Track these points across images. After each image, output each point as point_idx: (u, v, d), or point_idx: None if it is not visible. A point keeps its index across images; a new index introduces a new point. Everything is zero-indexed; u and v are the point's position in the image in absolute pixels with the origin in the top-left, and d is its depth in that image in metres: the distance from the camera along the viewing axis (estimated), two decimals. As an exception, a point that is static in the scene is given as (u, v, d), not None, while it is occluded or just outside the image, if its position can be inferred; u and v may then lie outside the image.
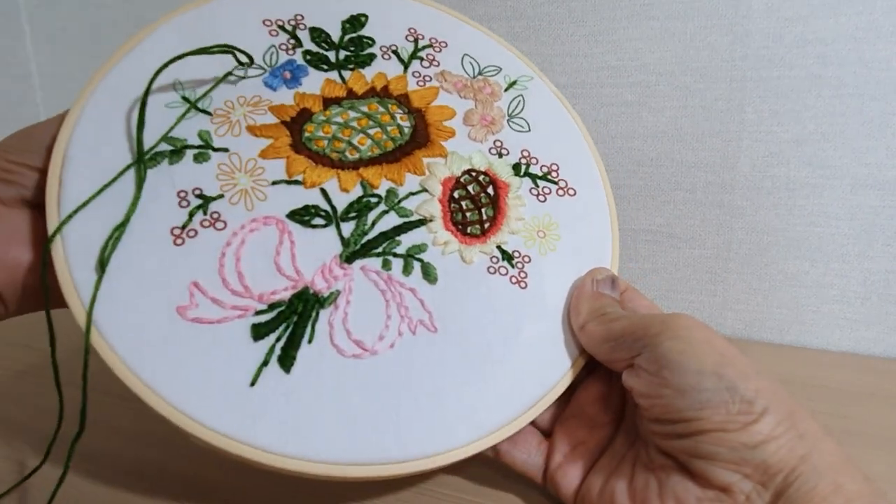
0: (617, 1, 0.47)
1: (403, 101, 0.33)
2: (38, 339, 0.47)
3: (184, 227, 0.27)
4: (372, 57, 0.34)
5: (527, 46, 0.50)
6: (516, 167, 0.33)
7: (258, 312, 0.26)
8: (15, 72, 0.69)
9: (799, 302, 0.48)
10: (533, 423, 0.30)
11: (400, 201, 0.30)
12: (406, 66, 0.34)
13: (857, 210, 0.45)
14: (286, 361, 0.26)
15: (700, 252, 0.49)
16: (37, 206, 0.28)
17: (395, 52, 0.34)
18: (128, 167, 0.27)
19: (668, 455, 0.26)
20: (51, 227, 0.26)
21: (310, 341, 0.26)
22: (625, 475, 0.27)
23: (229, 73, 0.31)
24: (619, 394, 0.30)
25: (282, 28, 0.33)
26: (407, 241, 0.29)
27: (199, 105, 0.30)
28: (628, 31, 0.47)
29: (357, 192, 0.30)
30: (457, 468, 0.32)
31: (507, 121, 0.35)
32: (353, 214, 0.29)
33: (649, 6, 0.46)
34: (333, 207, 0.29)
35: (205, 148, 0.29)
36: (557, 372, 0.29)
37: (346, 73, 0.33)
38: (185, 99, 0.30)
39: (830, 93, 0.44)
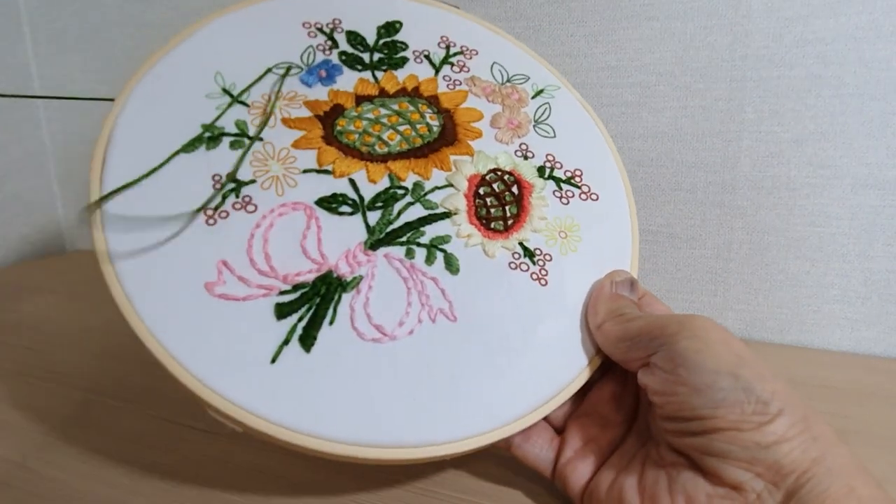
0: (617, 1, 0.48)
1: (433, 101, 0.34)
2: (38, 341, 0.48)
3: (216, 209, 0.28)
4: (405, 60, 0.35)
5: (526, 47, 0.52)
6: (541, 170, 0.34)
7: (282, 292, 0.27)
8: (15, 73, 0.69)
9: (799, 302, 0.48)
10: (546, 419, 0.29)
11: (426, 194, 0.31)
12: (437, 70, 0.35)
13: (857, 210, 0.45)
14: (307, 341, 0.26)
15: (701, 252, 0.49)
16: None
17: (427, 57, 0.36)
18: (172, 156, 0.29)
19: (679, 453, 0.25)
20: (92, 203, 0.27)
21: (331, 323, 0.27)
22: (634, 472, 0.26)
23: (269, 71, 0.33)
24: (632, 395, 0.30)
25: (320, 30, 0.35)
26: (431, 231, 0.30)
27: (238, 96, 0.31)
28: (628, 32, 0.48)
29: (384, 183, 0.31)
30: (459, 464, 0.32)
31: (533, 126, 0.35)
32: (379, 204, 0.30)
33: (649, 6, 0.47)
34: (361, 197, 0.30)
35: (241, 136, 0.30)
36: (573, 370, 0.29)
37: (379, 74, 0.34)
38: (225, 91, 0.31)
39: (830, 92, 0.44)
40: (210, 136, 0.30)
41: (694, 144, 0.48)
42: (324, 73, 0.34)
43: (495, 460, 0.32)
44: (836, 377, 0.42)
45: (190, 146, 0.29)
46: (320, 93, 0.33)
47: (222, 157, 0.30)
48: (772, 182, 0.46)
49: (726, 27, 0.45)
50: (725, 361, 0.24)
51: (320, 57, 0.34)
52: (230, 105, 0.31)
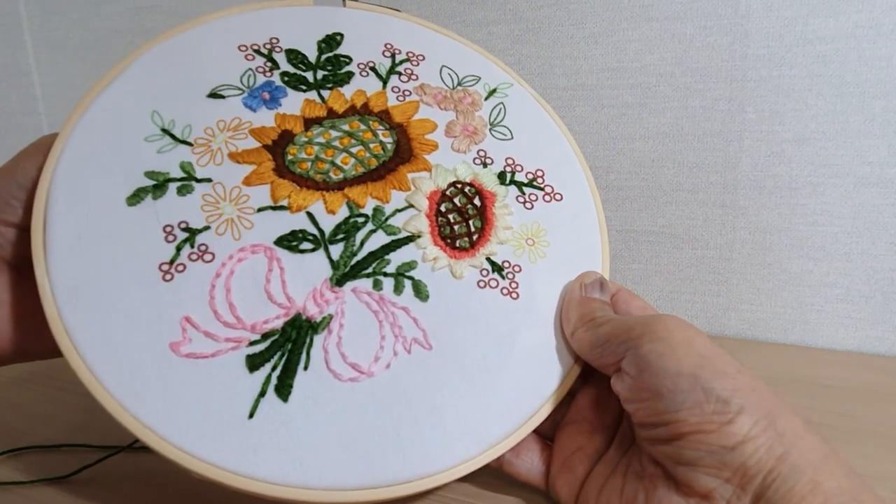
0: (616, 2, 0.47)
1: (384, 117, 0.33)
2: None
3: (172, 262, 0.27)
4: (350, 75, 0.34)
5: (527, 49, 0.50)
6: (501, 176, 0.33)
7: (252, 343, 0.26)
8: (17, 81, 0.70)
9: (803, 301, 0.48)
10: (535, 431, 0.30)
11: (387, 219, 0.30)
12: (385, 82, 0.34)
13: (860, 208, 0.45)
14: (283, 390, 0.26)
15: (703, 252, 0.49)
16: (11, 266, 0.28)
17: (373, 69, 0.34)
18: None
19: (657, 464, 0.25)
20: (38, 273, 0.26)
21: (305, 368, 0.26)
22: (617, 485, 0.27)
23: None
24: (617, 398, 0.30)
25: (257, 52, 0.33)
26: (396, 259, 0.29)
27: (179, 135, 0.30)
28: (628, 33, 0.47)
29: (343, 213, 0.30)
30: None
31: (489, 130, 0.35)
32: (340, 236, 0.29)
33: (648, 7, 0.46)
34: (321, 230, 0.29)
35: (188, 180, 0.29)
36: (555, 380, 0.29)
37: (326, 93, 0.33)
38: (164, 131, 0.30)
39: (831, 91, 0.44)
40: (155, 184, 0.29)
41: (695, 145, 0.47)
42: (267, 96, 0.32)
43: (497, 470, 0.33)
44: (840, 376, 0.42)
45: (135, 198, 0.28)
46: (266, 118, 0.32)
47: (171, 205, 0.28)
48: (773, 182, 0.46)
49: (726, 27, 0.45)
50: (686, 362, 0.24)
51: (261, 79, 0.33)
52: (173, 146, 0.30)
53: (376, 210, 0.30)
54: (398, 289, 0.29)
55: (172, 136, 0.30)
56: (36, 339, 0.28)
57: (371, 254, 0.29)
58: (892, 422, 0.37)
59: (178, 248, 0.27)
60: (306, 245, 0.29)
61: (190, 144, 0.30)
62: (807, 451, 0.22)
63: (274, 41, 0.33)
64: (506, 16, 0.50)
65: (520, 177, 0.34)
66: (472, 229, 0.31)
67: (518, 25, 0.50)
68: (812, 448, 0.23)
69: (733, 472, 0.22)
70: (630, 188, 0.50)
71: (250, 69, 0.33)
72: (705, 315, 0.51)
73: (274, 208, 0.29)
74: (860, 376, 0.43)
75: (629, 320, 0.27)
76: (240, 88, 0.32)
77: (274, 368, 0.26)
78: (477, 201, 0.32)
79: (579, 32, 0.48)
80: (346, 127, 0.32)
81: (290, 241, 0.29)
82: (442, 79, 0.35)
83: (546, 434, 0.31)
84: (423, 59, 0.36)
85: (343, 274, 0.29)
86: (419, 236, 0.30)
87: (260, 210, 0.29)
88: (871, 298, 0.46)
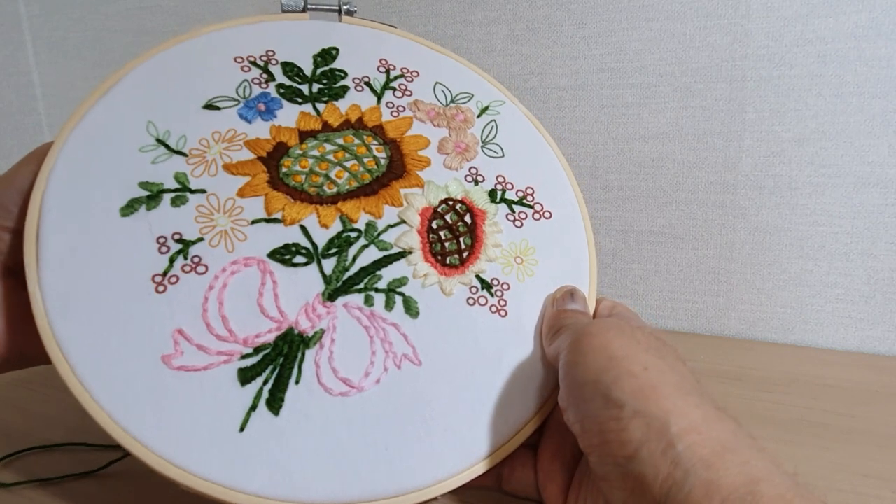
0: (616, 3, 0.47)
1: (378, 132, 0.34)
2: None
3: (165, 274, 0.27)
4: (345, 89, 0.34)
5: (527, 49, 0.51)
6: (492, 193, 0.34)
7: (244, 356, 0.27)
8: (17, 81, 0.70)
9: (803, 301, 0.48)
10: (529, 447, 0.30)
11: (379, 234, 0.31)
12: (379, 97, 0.35)
13: (859, 208, 0.45)
14: (274, 404, 0.26)
15: (703, 252, 0.49)
16: (9, 271, 0.28)
17: (368, 84, 0.35)
18: None
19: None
20: (30, 283, 0.26)
21: (297, 382, 0.27)
22: (586, 499, 0.27)
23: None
24: None
25: (253, 63, 0.33)
26: (387, 275, 0.30)
27: (174, 146, 0.30)
28: (628, 33, 0.48)
29: (337, 227, 0.30)
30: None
31: (481, 147, 0.35)
32: (333, 250, 0.30)
33: (648, 7, 0.47)
34: (314, 244, 0.30)
35: (182, 191, 0.29)
36: (543, 394, 0.30)
37: (321, 106, 0.33)
38: (159, 141, 0.30)
39: (831, 91, 0.44)
40: (149, 195, 0.29)
41: (695, 145, 0.48)
42: (262, 107, 0.33)
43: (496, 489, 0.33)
44: (841, 376, 0.43)
45: (128, 208, 0.28)
46: (261, 129, 0.32)
47: (165, 216, 0.28)
48: (773, 182, 0.47)
49: (726, 27, 0.45)
50: (592, 369, 0.23)
51: (257, 90, 0.33)
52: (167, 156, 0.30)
53: (369, 225, 0.31)
54: (389, 305, 0.29)
55: (167, 147, 0.30)
56: (34, 344, 0.28)
57: (363, 269, 0.30)
58: (892, 422, 0.37)
59: (172, 260, 0.28)
60: (299, 259, 0.29)
61: (185, 155, 0.30)
62: (700, 446, 0.20)
63: (270, 53, 0.34)
64: (506, 16, 0.51)
65: (510, 195, 0.34)
66: (462, 247, 0.32)
67: (518, 25, 0.50)
68: (707, 441, 0.21)
69: (636, 484, 0.21)
70: (630, 188, 0.50)
71: (246, 80, 0.33)
72: (705, 315, 0.51)
73: (268, 221, 0.30)
74: (860, 376, 0.42)
75: (573, 331, 0.27)
76: (235, 99, 0.32)
77: (265, 382, 0.27)
78: (468, 219, 0.33)
79: (579, 32, 0.49)
80: (340, 141, 0.33)
81: (283, 255, 0.29)
82: (435, 95, 0.36)
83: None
84: (418, 75, 0.36)
85: (335, 289, 0.29)
86: (410, 252, 0.31)
87: (254, 222, 0.29)
88: (871, 298, 0.47)
